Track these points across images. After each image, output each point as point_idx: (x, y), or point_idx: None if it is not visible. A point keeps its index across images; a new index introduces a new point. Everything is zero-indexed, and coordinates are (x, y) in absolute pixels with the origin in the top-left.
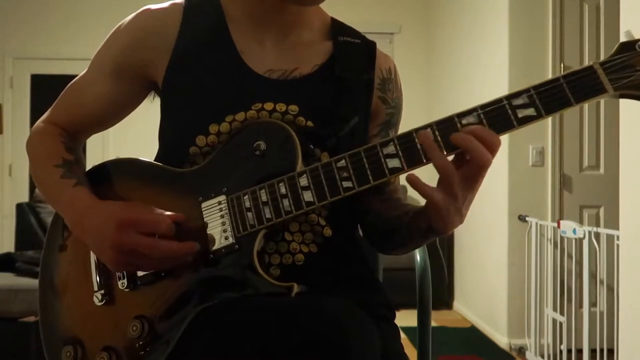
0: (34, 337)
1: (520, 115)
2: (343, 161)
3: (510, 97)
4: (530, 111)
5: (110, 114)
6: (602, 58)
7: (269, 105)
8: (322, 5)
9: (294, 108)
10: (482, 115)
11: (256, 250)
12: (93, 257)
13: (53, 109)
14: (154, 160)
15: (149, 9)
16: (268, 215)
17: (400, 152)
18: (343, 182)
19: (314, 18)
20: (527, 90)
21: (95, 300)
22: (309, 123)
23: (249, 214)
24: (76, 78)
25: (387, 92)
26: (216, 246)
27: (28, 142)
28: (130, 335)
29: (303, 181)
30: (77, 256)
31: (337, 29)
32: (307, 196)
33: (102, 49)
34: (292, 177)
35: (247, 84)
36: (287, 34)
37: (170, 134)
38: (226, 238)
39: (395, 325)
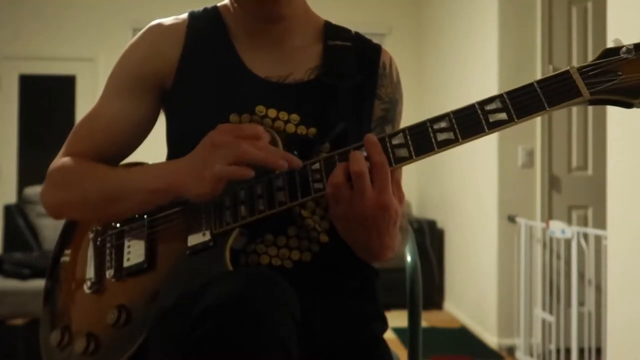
0: (22, 340)
1: (491, 120)
2: (317, 164)
3: (482, 102)
4: (502, 116)
5: (132, 133)
6: (590, 59)
7: (272, 112)
8: (314, 7)
9: (295, 117)
10: (453, 120)
11: (229, 247)
12: (91, 249)
13: (70, 143)
14: None
15: (157, 24)
16: (243, 214)
17: None
18: (315, 184)
19: (305, 23)
20: (500, 96)
21: (85, 287)
22: (311, 130)
23: (227, 212)
24: (88, 111)
25: (381, 88)
26: (193, 242)
27: (52, 180)
28: (107, 322)
29: (279, 182)
30: (79, 248)
31: (329, 33)
32: (280, 196)
33: (115, 71)
34: (269, 179)
35: (250, 86)
36: (281, 41)
37: (178, 136)
38: (204, 235)
39: (385, 344)
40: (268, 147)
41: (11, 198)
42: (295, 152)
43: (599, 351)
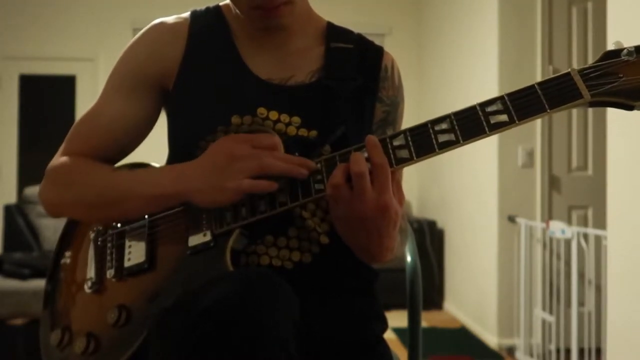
0: (22, 340)
1: (492, 122)
2: (319, 165)
3: (483, 104)
4: (503, 117)
5: (133, 133)
6: (590, 60)
7: (273, 115)
8: (314, 7)
9: (296, 120)
10: (454, 122)
11: (230, 247)
12: (92, 248)
13: (69, 141)
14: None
15: (160, 23)
16: (244, 215)
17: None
18: (316, 185)
19: (308, 24)
20: (501, 98)
21: (85, 287)
22: (312, 133)
23: (228, 213)
24: (87, 110)
25: (382, 90)
26: (194, 242)
27: (51, 179)
28: (107, 322)
29: (280, 183)
30: (80, 249)
31: (331, 34)
32: (281, 197)
33: (117, 69)
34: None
35: (251, 88)
36: (283, 42)
37: (179, 136)
38: (204, 235)
39: (385, 344)
40: (287, 158)
41: (11, 198)
42: (297, 154)
43: (599, 351)
